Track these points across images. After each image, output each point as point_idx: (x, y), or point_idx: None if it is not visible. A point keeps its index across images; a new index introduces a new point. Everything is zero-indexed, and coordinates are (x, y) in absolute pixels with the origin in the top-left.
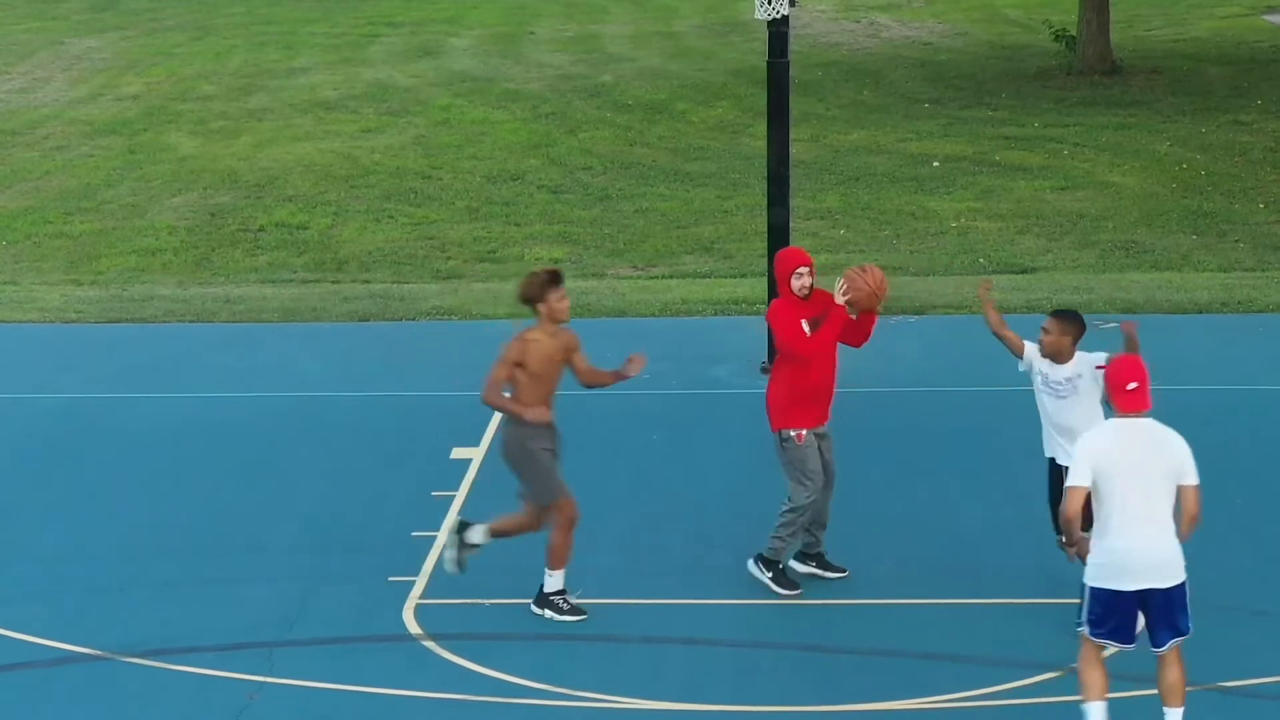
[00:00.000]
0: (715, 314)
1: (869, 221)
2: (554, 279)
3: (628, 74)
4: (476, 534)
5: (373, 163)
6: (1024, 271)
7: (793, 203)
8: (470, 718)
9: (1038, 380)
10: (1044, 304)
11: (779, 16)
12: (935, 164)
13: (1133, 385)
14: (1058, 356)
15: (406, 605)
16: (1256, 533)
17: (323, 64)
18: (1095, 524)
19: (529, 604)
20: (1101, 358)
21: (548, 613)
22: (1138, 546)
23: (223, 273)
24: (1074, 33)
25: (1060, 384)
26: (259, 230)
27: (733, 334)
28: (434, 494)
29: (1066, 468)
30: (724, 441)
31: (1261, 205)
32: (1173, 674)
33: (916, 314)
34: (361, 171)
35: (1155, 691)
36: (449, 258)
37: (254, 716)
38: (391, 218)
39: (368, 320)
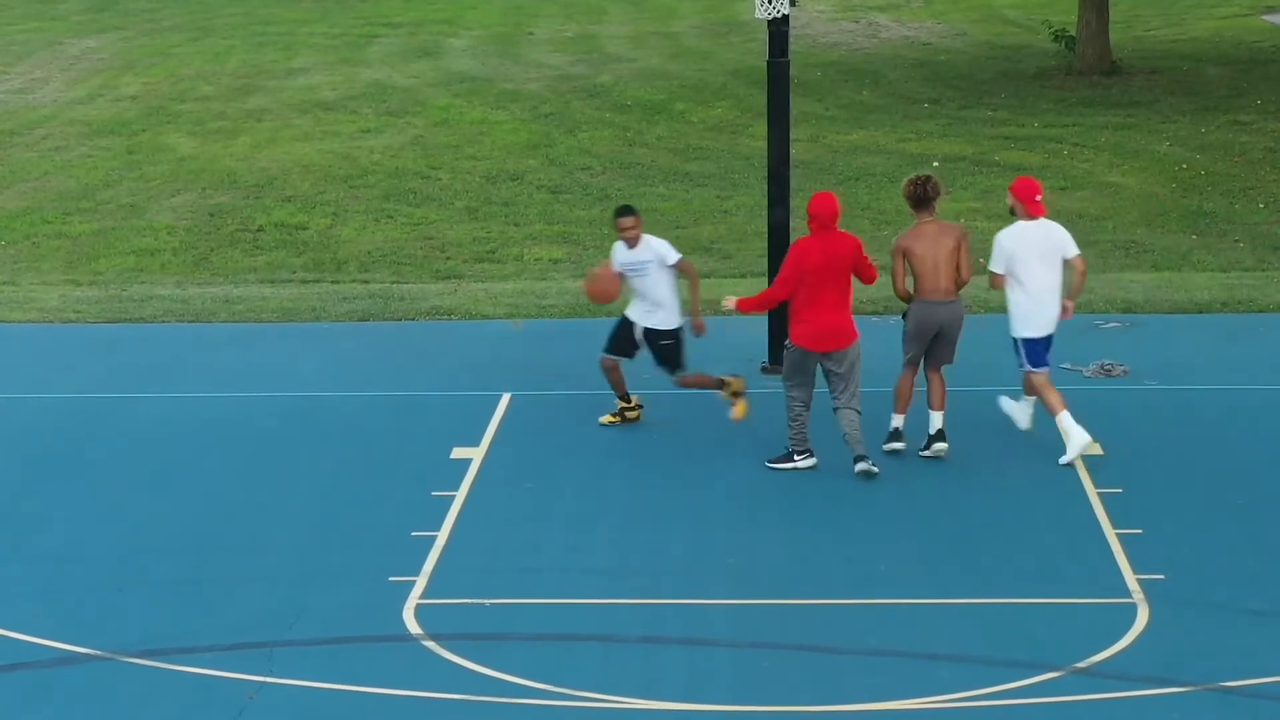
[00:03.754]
0: (715, 314)
1: (869, 221)
2: None
3: (626, 74)
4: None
5: (371, 163)
6: None
7: (793, 202)
8: (470, 718)
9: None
10: None
11: (779, 16)
12: (935, 164)
13: (1039, 197)
14: (634, 244)
15: (407, 605)
16: (1256, 532)
17: (321, 64)
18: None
19: None
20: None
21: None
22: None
23: (222, 273)
24: (1073, 33)
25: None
26: (258, 230)
27: (732, 334)
28: (434, 494)
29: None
30: (723, 441)
31: (1261, 205)
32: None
33: None
34: (360, 172)
35: (1154, 691)
36: (448, 258)
37: (254, 716)
38: (390, 218)
39: (367, 320)
